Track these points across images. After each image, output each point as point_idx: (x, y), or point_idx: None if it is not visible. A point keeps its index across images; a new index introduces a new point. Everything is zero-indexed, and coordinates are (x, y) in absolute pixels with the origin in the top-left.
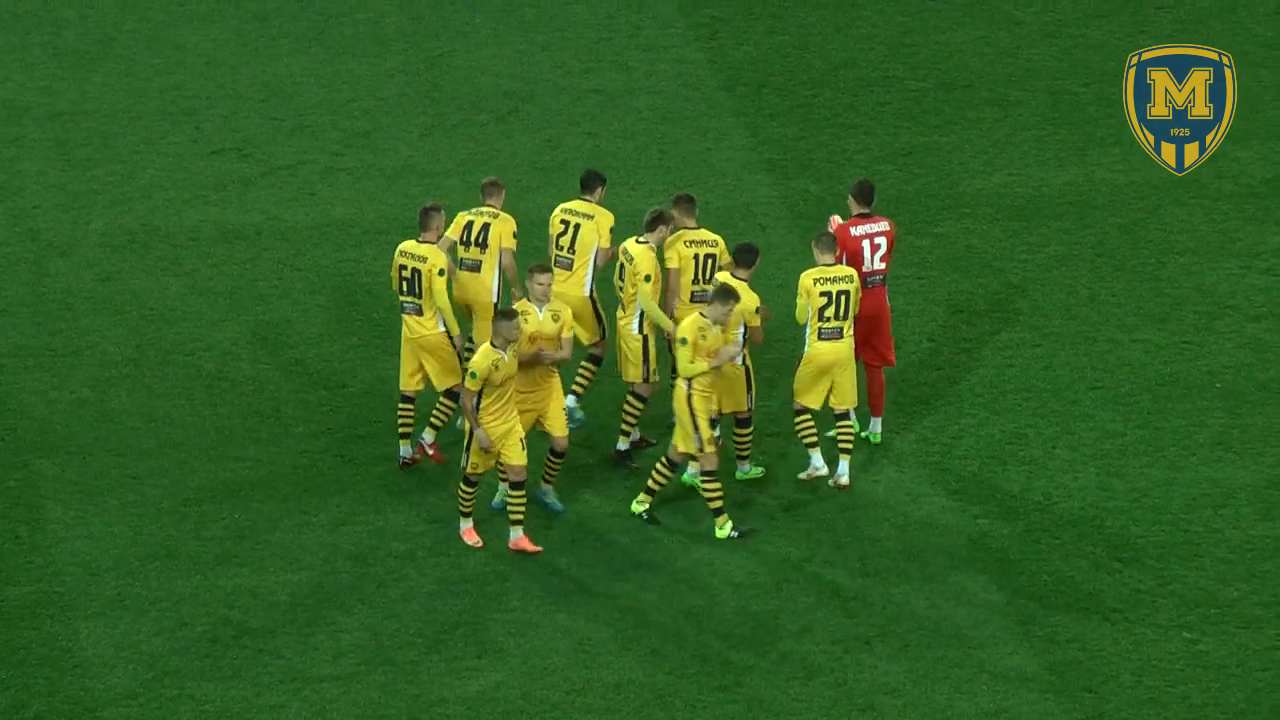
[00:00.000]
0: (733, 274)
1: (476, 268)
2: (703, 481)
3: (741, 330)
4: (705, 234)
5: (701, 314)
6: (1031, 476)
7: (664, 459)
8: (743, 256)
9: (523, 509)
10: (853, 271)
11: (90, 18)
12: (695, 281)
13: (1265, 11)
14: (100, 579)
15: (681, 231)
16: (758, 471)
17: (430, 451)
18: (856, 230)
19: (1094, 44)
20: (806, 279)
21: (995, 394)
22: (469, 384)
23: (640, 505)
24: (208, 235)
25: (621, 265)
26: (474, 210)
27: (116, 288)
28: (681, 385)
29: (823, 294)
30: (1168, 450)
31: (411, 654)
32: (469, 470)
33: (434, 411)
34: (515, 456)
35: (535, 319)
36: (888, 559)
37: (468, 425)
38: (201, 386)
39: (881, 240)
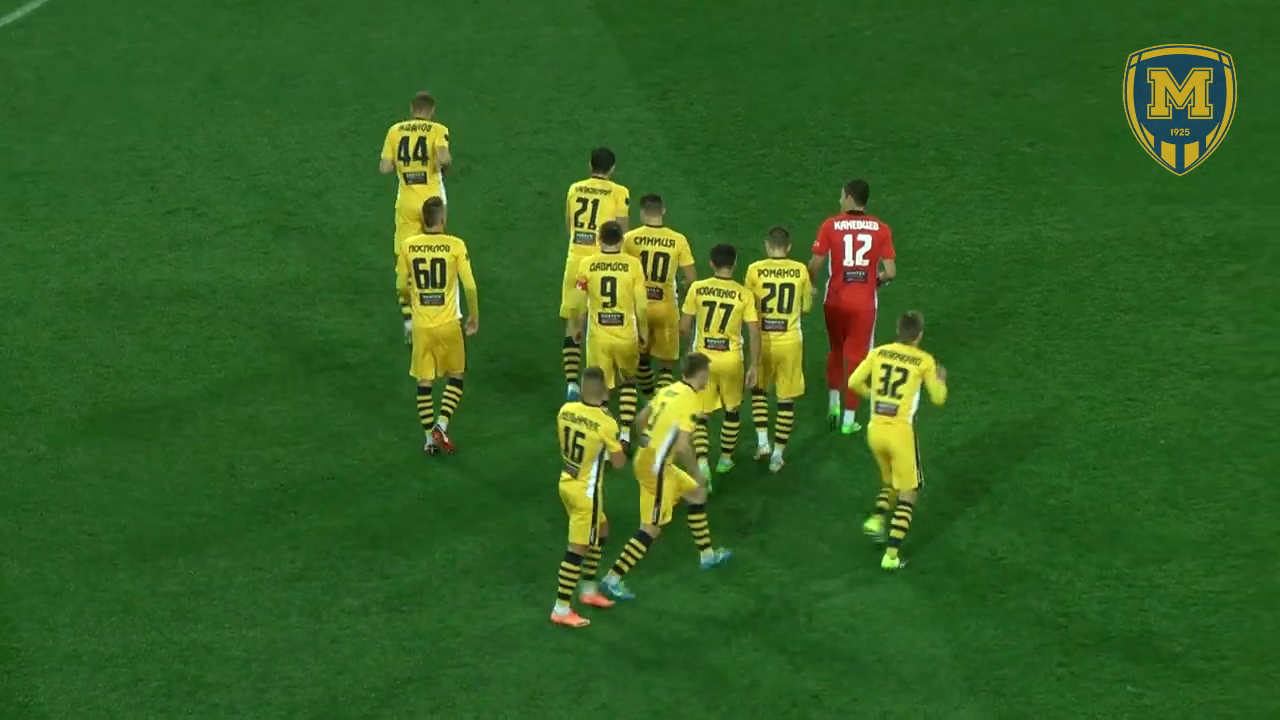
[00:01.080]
0: (715, 274)
1: (422, 179)
2: (907, 507)
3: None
4: (661, 232)
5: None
6: (978, 532)
7: (900, 502)
8: (719, 257)
9: (574, 582)
10: (800, 266)
11: (47, 79)
12: (646, 279)
13: None
14: (56, 634)
15: (637, 229)
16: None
17: (445, 440)
18: (840, 225)
19: (1039, 104)
20: (752, 270)
21: (942, 450)
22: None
23: (894, 560)
24: (163, 294)
25: (612, 280)
26: (405, 125)
27: (73, 346)
28: (910, 420)
29: (765, 285)
30: (1113, 506)
31: (364, 709)
32: (595, 543)
33: (444, 401)
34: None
35: None
36: (835, 613)
37: (594, 503)
38: (157, 444)
39: (865, 238)
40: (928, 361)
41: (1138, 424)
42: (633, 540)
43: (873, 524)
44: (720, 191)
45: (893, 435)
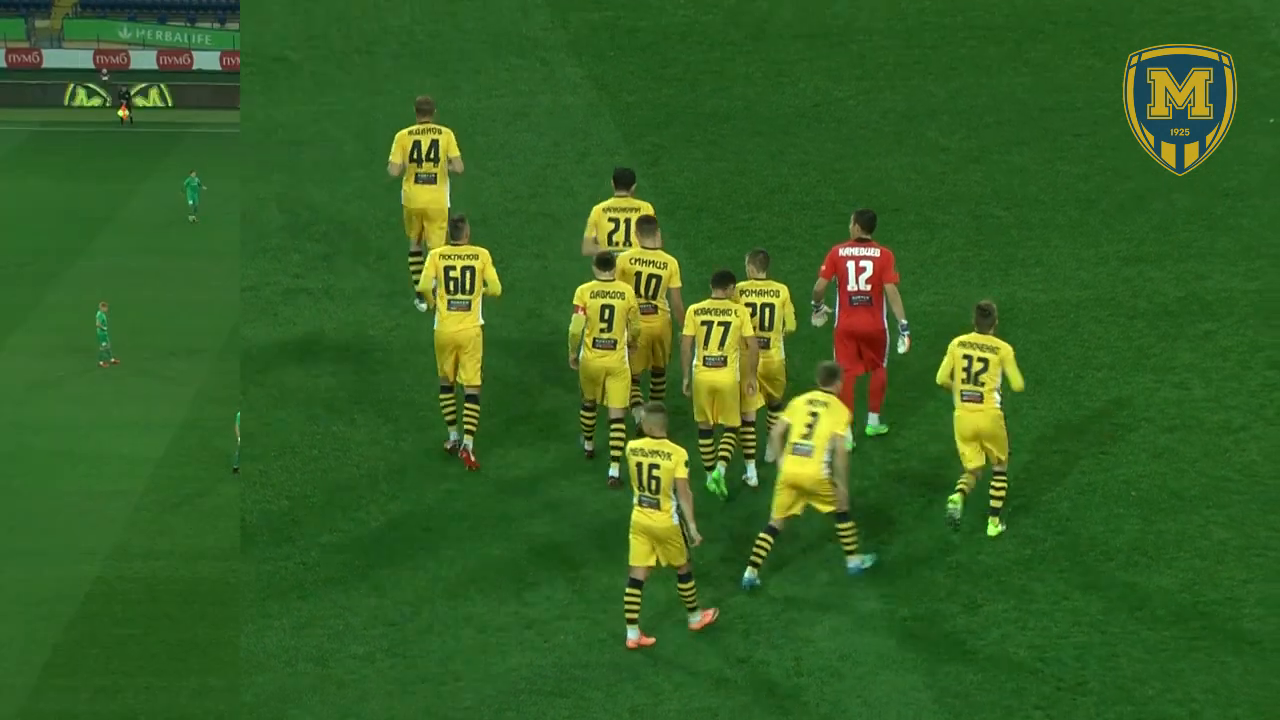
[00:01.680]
0: (712, 296)
1: (432, 180)
2: (1002, 477)
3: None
4: (655, 255)
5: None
6: (957, 580)
7: (995, 473)
8: (718, 279)
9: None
10: (781, 287)
11: None
12: (639, 296)
13: None
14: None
15: (631, 250)
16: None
17: (471, 459)
18: (844, 251)
19: (1015, 169)
20: (734, 290)
21: (923, 503)
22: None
23: (997, 527)
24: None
25: (610, 307)
26: (413, 130)
27: None
28: (997, 404)
29: (747, 304)
30: (1086, 556)
31: None
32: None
33: (464, 421)
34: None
35: None
36: (822, 658)
37: (681, 525)
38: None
39: (867, 264)
40: (1006, 350)
41: (1110, 477)
42: (839, 524)
43: (955, 499)
44: (709, 254)
45: (983, 421)
